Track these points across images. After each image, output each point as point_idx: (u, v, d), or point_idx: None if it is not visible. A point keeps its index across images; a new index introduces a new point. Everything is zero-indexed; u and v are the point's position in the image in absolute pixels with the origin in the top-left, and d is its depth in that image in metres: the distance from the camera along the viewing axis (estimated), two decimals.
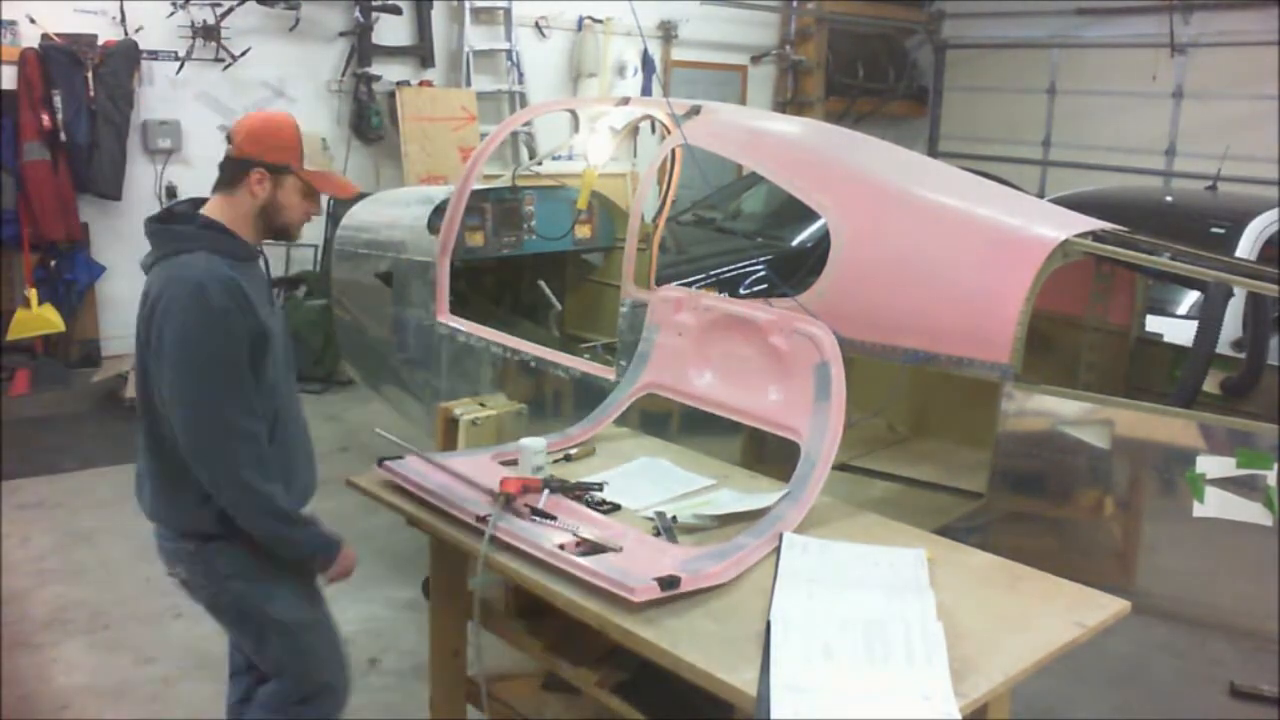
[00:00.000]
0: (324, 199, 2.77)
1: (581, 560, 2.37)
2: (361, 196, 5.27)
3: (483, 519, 2.59)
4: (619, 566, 2.32)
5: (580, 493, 2.84)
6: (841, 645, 2.09)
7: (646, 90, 9.72)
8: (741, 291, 5.69)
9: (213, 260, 2.45)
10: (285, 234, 2.66)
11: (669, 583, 2.24)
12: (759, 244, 6.69)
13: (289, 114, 2.72)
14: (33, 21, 6.96)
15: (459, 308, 4.65)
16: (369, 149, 8.52)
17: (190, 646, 3.93)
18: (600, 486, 2.77)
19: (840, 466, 3.55)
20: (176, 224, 2.54)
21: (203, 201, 2.61)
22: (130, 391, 6.51)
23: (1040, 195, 8.33)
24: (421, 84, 8.66)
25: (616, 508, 2.75)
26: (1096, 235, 3.34)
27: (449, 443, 3.72)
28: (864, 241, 3.38)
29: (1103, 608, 2.33)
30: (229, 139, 2.59)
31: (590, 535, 2.47)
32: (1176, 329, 4.08)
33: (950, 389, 3.60)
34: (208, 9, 7.55)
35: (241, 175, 2.54)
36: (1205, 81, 10.10)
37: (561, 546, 2.44)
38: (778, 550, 2.49)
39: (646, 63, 9.79)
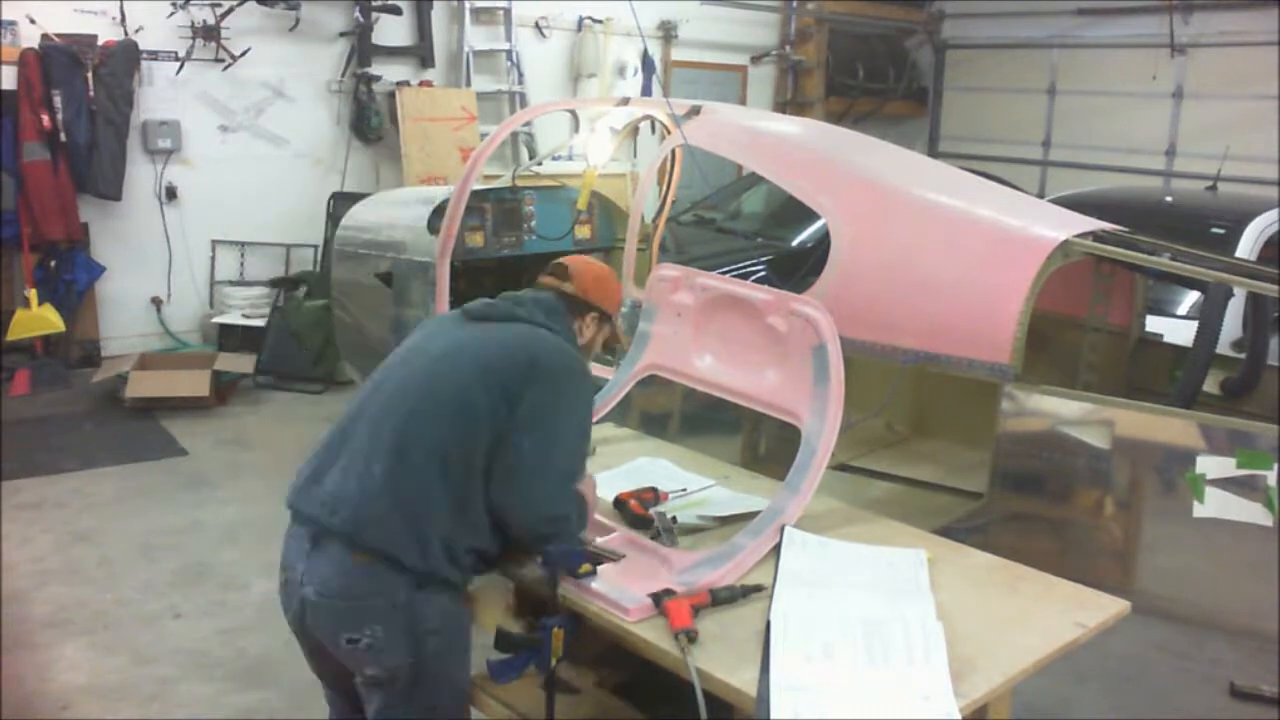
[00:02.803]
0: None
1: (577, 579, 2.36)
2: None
3: None
4: (615, 583, 2.32)
5: None
6: (841, 645, 2.09)
7: (646, 90, 9.71)
8: None
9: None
10: None
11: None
12: (759, 244, 6.69)
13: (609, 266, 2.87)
14: (33, 21, 6.96)
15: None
16: (369, 149, 8.53)
17: (190, 647, 3.93)
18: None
19: (840, 466, 3.56)
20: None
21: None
22: (130, 391, 6.52)
23: (1040, 195, 8.33)
24: (421, 84, 8.66)
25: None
26: (1096, 235, 3.35)
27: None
28: (864, 242, 3.38)
29: (1103, 608, 2.33)
30: (564, 275, 2.70)
31: (592, 544, 2.46)
32: (1176, 329, 4.08)
33: (950, 389, 3.61)
34: (208, 9, 7.55)
35: (579, 313, 2.68)
36: (1205, 81, 10.10)
37: None
38: (778, 547, 2.49)
39: (646, 63, 9.78)
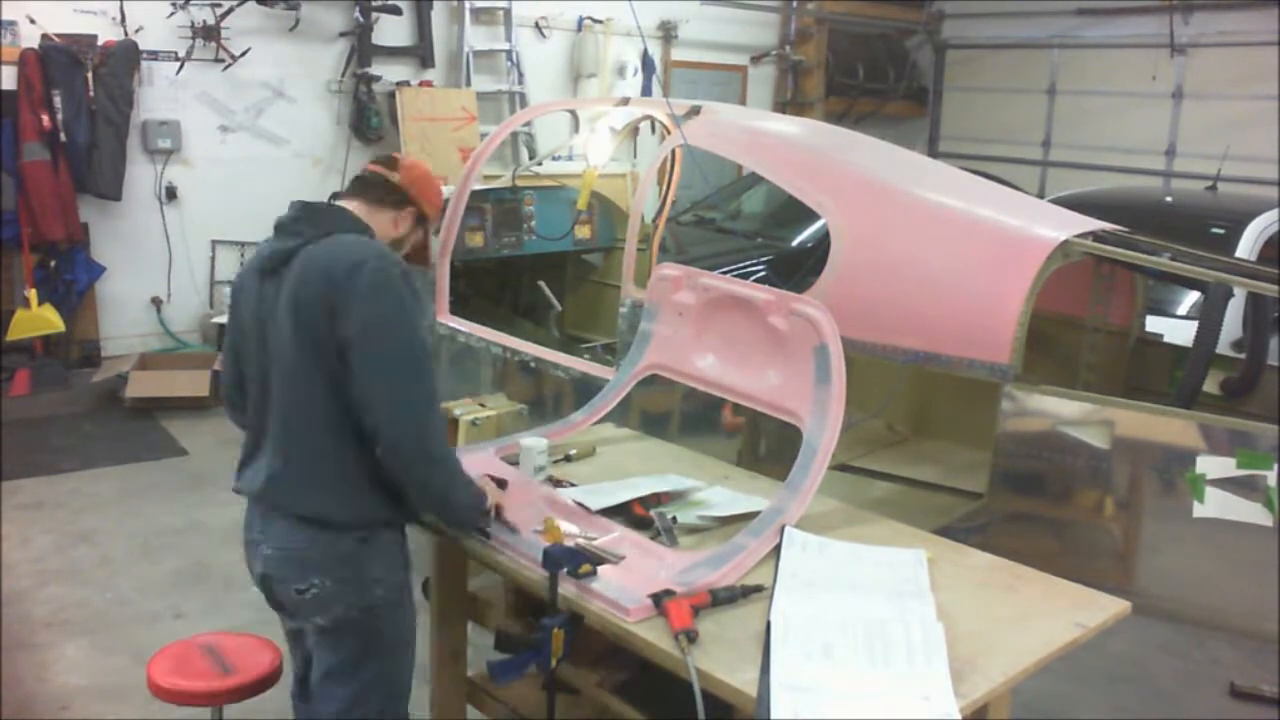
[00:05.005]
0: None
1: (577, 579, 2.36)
2: None
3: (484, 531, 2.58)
4: (615, 583, 2.32)
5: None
6: (841, 645, 2.09)
7: (646, 90, 9.71)
8: None
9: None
10: None
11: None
12: (759, 244, 6.69)
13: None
14: (33, 22, 6.96)
15: (459, 308, 4.65)
16: (369, 149, 8.52)
17: None
18: None
19: (840, 466, 3.56)
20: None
21: (335, 197, 2.62)
22: (130, 391, 6.52)
23: (1040, 195, 8.33)
24: (421, 84, 8.66)
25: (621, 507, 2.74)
26: (1096, 235, 3.34)
27: (449, 443, 3.73)
28: (864, 242, 3.38)
29: (1103, 608, 2.33)
30: (390, 165, 2.61)
31: (592, 546, 2.46)
32: (1176, 329, 4.08)
33: (950, 389, 3.61)
34: (208, 9, 7.55)
35: (396, 205, 2.58)
36: (1205, 81, 10.10)
37: None
38: (778, 547, 2.49)
39: (646, 63, 9.78)
